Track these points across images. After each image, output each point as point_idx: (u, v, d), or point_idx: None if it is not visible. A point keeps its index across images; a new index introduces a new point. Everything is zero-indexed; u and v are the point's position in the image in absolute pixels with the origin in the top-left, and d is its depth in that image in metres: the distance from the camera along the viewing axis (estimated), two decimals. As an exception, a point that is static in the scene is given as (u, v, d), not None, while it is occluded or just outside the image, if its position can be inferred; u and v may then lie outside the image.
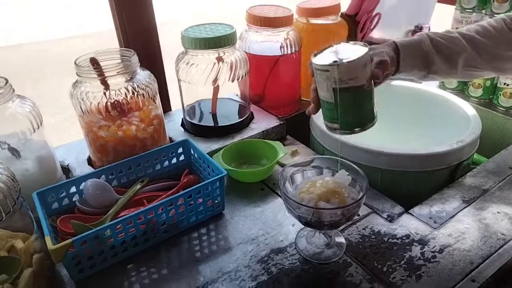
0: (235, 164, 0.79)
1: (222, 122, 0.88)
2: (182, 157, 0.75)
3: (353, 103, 0.56)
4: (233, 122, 0.86)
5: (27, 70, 3.39)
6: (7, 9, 5.04)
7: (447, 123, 0.91)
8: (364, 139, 0.94)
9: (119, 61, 0.73)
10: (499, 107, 1.01)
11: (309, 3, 1.04)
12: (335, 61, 0.53)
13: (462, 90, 1.10)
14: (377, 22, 1.07)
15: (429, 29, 1.08)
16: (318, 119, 0.87)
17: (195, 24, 0.84)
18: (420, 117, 0.97)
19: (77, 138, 0.84)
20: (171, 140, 0.85)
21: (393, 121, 1.00)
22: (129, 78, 0.71)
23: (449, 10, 1.06)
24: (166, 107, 0.96)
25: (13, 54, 3.88)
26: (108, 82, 0.69)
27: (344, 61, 0.52)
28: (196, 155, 0.73)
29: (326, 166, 0.62)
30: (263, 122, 0.90)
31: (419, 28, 1.05)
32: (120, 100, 0.69)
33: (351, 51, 0.55)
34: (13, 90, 0.63)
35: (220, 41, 0.78)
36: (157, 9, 0.87)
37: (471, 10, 1.00)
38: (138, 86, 0.71)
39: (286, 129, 0.92)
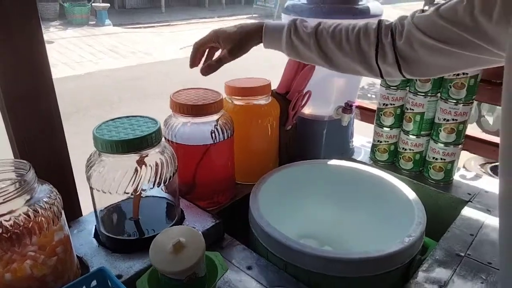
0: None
1: (147, 231, 0.74)
2: (97, 292, 0.60)
3: None
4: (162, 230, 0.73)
5: None
6: None
7: (387, 206, 0.88)
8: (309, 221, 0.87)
9: (9, 178, 0.58)
10: (429, 180, 1.03)
11: (239, 81, 0.98)
12: None
13: (392, 163, 1.11)
14: (307, 100, 1.05)
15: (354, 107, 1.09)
16: (260, 216, 0.78)
17: (110, 118, 0.72)
18: (358, 198, 0.94)
19: None
20: (81, 262, 0.68)
21: (329, 201, 0.95)
22: (23, 202, 0.55)
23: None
24: (76, 212, 0.80)
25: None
26: (-7, 211, 0.52)
27: None
28: (115, 289, 0.58)
29: None
30: (196, 223, 0.79)
31: (349, 106, 1.05)
32: (10, 232, 0.53)
33: None
34: None
35: (142, 142, 0.66)
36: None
37: (395, 88, 1.02)
38: (35, 210, 0.55)
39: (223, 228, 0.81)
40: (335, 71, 0.75)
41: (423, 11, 0.63)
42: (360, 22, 0.70)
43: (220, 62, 0.79)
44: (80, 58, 5.95)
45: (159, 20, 9.64)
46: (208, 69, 0.80)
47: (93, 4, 8.93)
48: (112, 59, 6.20)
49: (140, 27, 8.80)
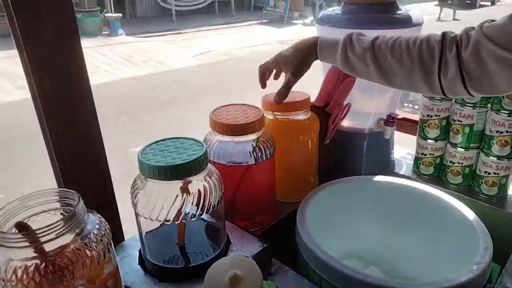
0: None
1: (194, 258, 0.70)
2: (151, 328, 0.56)
3: None
4: (210, 257, 0.69)
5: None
6: None
7: (441, 226, 0.82)
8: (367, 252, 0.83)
9: (57, 207, 0.56)
10: (481, 195, 0.97)
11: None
12: None
13: (438, 176, 1.05)
14: (346, 112, 1.00)
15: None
16: (312, 241, 0.73)
17: (155, 140, 0.69)
18: (407, 217, 0.89)
19: None
20: (129, 293, 0.65)
21: (376, 219, 0.90)
22: (74, 235, 0.52)
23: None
24: (118, 237, 0.77)
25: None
26: (45, 247, 0.49)
27: None
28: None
29: None
30: (243, 247, 0.75)
31: (391, 118, 1.00)
32: (63, 268, 0.50)
33: None
34: None
35: (190, 167, 0.63)
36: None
37: (440, 98, 0.97)
38: (86, 244, 0.52)
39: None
40: (390, 87, 0.71)
41: (493, 20, 0.59)
42: (419, 34, 0.66)
43: (288, 87, 0.84)
44: (96, 69, 6.00)
45: (170, 28, 9.69)
46: (280, 97, 0.85)
47: (105, 14, 9.03)
48: (127, 68, 6.24)
49: (152, 36, 8.86)
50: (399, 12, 0.97)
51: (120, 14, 9.16)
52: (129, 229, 0.80)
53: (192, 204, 0.65)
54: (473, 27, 0.61)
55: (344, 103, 1.00)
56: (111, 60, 6.64)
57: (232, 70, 6.04)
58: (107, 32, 8.84)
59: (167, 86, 5.34)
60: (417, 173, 1.07)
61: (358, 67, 0.71)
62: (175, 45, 8.14)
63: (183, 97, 4.79)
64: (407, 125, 1.22)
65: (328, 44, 0.76)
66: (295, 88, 0.99)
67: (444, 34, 0.64)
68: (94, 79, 5.36)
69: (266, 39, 8.49)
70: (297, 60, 0.80)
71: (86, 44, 7.74)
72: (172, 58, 6.95)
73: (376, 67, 0.68)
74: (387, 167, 1.10)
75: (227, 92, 4.87)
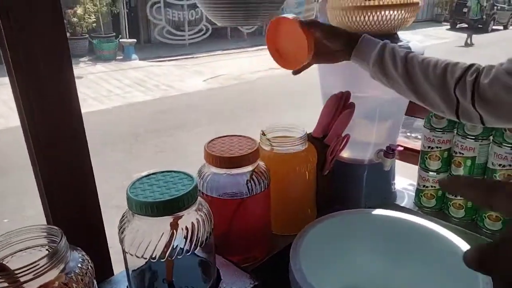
0: None
1: (182, 296, 0.68)
2: None
3: None
4: (198, 296, 0.67)
5: None
6: None
7: (442, 265, 0.79)
8: None
9: (44, 243, 0.55)
10: (484, 230, 0.93)
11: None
12: None
13: (440, 209, 1.02)
14: (345, 143, 0.99)
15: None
16: (303, 277, 0.71)
17: (146, 173, 0.68)
18: (408, 254, 0.85)
19: None
20: (114, 333, 0.63)
21: (375, 255, 0.87)
22: (55, 275, 0.51)
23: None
24: (106, 272, 0.75)
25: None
26: (27, 286, 0.49)
27: None
28: None
29: None
30: (233, 285, 0.72)
31: (391, 150, 0.98)
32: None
33: None
34: None
35: (178, 203, 0.62)
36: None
37: (441, 130, 0.96)
38: (66, 284, 0.51)
39: (262, 290, 0.74)
40: (410, 98, 0.78)
41: None
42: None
43: (311, 25, 0.80)
44: (108, 92, 6.12)
45: (183, 53, 9.91)
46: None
47: (120, 40, 9.29)
48: (139, 92, 6.35)
49: (164, 60, 9.06)
50: (399, 43, 0.97)
51: (134, 40, 9.41)
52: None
53: (183, 242, 0.64)
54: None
55: (343, 134, 0.99)
56: (124, 84, 6.78)
57: (241, 94, 6.10)
58: (121, 57, 9.06)
59: (177, 110, 5.42)
60: (419, 206, 1.04)
61: (389, 67, 0.76)
62: (187, 69, 8.29)
63: (191, 121, 4.85)
64: (409, 155, 1.19)
65: (370, 41, 0.80)
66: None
67: (472, 64, 0.70)
68: (106, 103, 5.47)
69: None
70: (336, 29, 0.81)
71: (100, 68, 7.94)
72: (183, 82, 7.07)
73: (405, 73, 0.74)
74: (388, 198, 1.07)
75: (233, 117, 4.90)
